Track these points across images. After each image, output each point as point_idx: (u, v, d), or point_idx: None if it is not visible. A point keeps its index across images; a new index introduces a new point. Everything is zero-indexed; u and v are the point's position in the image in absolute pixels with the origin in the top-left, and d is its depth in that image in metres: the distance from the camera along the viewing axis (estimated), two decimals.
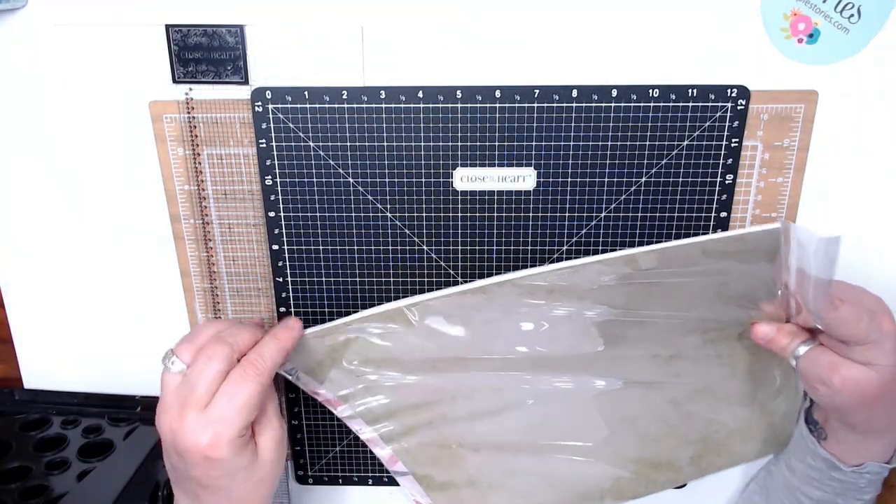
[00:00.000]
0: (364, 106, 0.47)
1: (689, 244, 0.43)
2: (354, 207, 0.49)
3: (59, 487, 0.48)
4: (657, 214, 0.49)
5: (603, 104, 0.46)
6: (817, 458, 0.46)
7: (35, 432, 0.53)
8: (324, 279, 0.52)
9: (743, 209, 0.49)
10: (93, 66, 0.47)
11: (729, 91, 0.46)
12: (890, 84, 0.46)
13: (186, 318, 0.54)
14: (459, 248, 0.50)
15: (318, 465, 0.58)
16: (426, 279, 0.51)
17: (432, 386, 0.49)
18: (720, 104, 0.46)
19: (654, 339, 0.48)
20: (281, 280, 0.52)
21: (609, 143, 0.47)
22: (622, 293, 0.45)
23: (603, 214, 0.49)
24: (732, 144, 0.47)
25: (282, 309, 0.53)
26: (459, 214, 0.49)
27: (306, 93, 0.47)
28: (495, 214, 0.49)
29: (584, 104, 0.46)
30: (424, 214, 0.50)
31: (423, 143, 0.48)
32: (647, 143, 0.47)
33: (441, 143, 0.48)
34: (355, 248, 0.51)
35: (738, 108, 0.46)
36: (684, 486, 0.55)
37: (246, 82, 0.46)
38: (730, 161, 0.47)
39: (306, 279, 0.52)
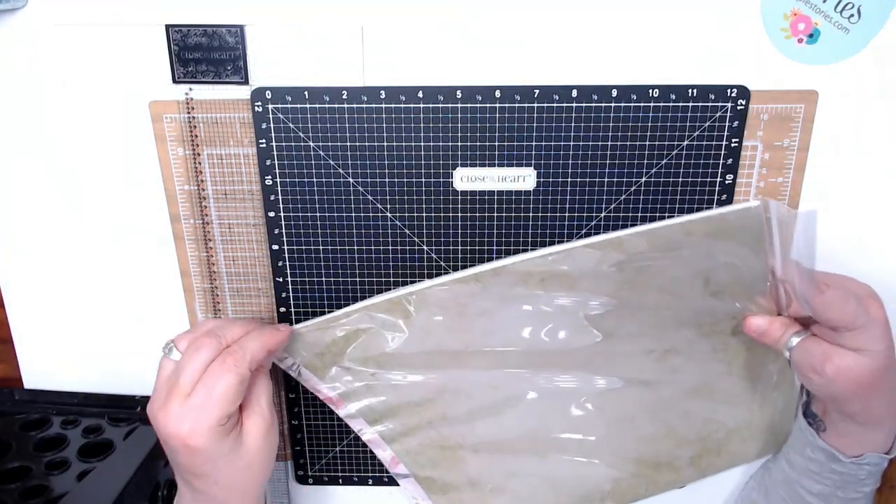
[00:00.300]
0: (364, 106, 0.47)
1: (672, 224, 0.43)
2: (354, 207, 0.49)
3: (59, 487, 0.48)
4: (657, 214, 0.49)
5: (603, 104, 0.46)
6: (817, 450, 0.46)
7: (35, 432, 0.53)
8: (324, 279, 0.52)
9: None
10: (93, 66, 0.47)
11: (729, 91, 0.46)
12: (890, 84, 0.46)
13: (186, 318, 0.54)
14: (459, 248, 0.50)
15: (318, 465, 0.58)
16: (426, 279, 0.51)
17: (432, 384, 0.49)
18: (720, 104, 0.46)
19: (648, 333, 0.48)
20: (281, 280, 0.52)
21: (609, 143, 0.47)
22: (613, 282, 0.45)
23: (603, 214, 0.49)
24: (732, 144, 0.47)
25: (282, 309, 0.53)
26: (459, 214, 0.49)
27: (306, 93, 0.47)
28: (495, 214, 0.49)
29: (584, 104, 0.46)
30: (424, 214, 0.50)
31: (423, 143, 0.48)
32: (647, 143, 0.47)
33: (441, 143, 0.48)
34: (355, 248, 0.51)
35: (738, 108, 0.46)
36: (683, 486, 0.55)
37: (246, 82, 0.46)
38: (730, 161, 0.47)
39: (306, 279, 0.52)
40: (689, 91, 0.46)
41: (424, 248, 0.51)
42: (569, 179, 0.48)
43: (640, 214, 0.49)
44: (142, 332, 0.55)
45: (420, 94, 0.46)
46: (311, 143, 0.48)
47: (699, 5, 0.44)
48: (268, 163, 0.48)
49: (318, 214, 0.50)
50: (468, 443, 0.51)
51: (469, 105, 0.47)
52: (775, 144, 0.48)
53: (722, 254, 0.44)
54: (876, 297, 0.42)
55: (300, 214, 0.50)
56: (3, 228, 0.52)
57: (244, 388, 0.40)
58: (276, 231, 0.50)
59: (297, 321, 0.53)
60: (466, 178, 0.49)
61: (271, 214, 0.50)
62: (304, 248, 0.51)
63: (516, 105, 0.47)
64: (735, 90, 0.46)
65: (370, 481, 0.58)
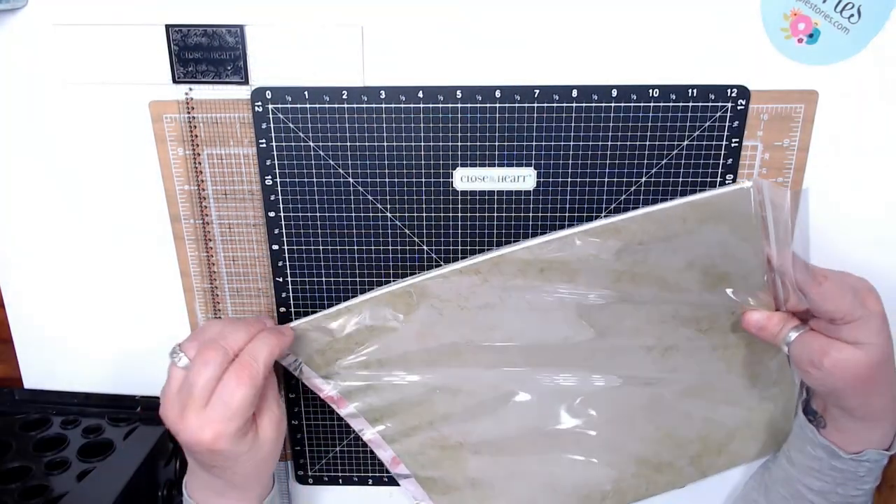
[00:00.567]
0: (364, 106, 0.47)
1: (668, 207, 0.43)
2: (354, 207, 0.49)
3: (59, 487, 0.48)
4: None
5: (603, 104, 0.46)
6: (817, 447, 0.46)
7: (35, 432, 0.54)
8: (324, 279, 0.52)
9: None
10: (93, 66, 0.47)
11: (729, 91, 0.46)
12: (890, 84, 0.46)
13: (186, 318, 0.54)
14: (459, 248, 0.50)
15: (318, 465, 0.58)
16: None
17: (433, 382, 0.49)
18: (720, 104, 0.46)
19: (648, 330, 0.48)
20: (281, 280, 0.52)
21: (609, 143, 0.47)
22: (612, 272, 0.45)
23: (603, 214, 0.49)
24: (732, 144, 0.47)
25: (282, 309, 0.53)
26: (459, 214, 0.50)
27: (306, 93, 0.47)
28: (495, 214, 0.49)
29: (584, 104, 0.46)
30: (424, 214, 0.50)
31: (423, 143, 0.48)
32: (647, 143, 0.47)
33: (441, 143, 0.48)
34: (355, 248, 0.51)
35: (738, 108, 0.46)
36: (683, 486, 0.55)
37: (246, 82, 0.46)
38: (730, 161, 0.47)
39: (306, 279, 0.52)
40: (689, 91, 0.46)
41: (424, 248, 0.51)
42: (569, 179, 0.48)
43: None
44: (142, 332, 0.55)
45: (420, 94, 0.46)
46: (311, 143, 0.48)
47: (699, 5, 0.44)
48: (268, 163, 0.48)
49: (318, 214, 0.50)
50: (469, 442, 0.51)
51: (469, 105, 0.47)
52: (775, 144, 0.48)
53: (717, 242, 0.44)
54: (873, 290, 0.42)
55: (300, 214, 0.50)
56: (3, 228, 0.52)
57: (258, 394, 0.42)
58: (276, 231, 0.50)
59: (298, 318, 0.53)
60: (466, 178, 0.49)
61: (271, 214, 0.50)
62: (304, 248, 0.51)
63: (516, 105, 0.47)
64: (735, 90, 0.46)
65: (370, 481, 0.58)
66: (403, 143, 0.48)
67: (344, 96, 0.47)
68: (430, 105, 0.47)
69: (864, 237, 0.50)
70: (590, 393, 0.50)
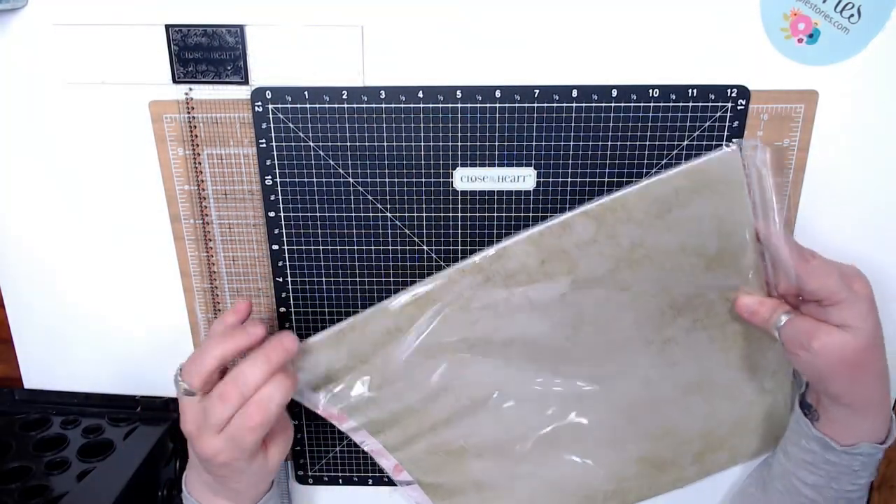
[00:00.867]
0: (364, 106, 0.47)
1: (661, 179, 0.43)
2: (354, 207, 0.49)
3: (59, 487, 0.48)
4: None
5: (603, 104, 0.46)
6: (811, 439, 0.46)
7: (35, 432, 0.53)
8: (324, 279, 0.52)
9: None
10: (93, 66, 0.47)
11: (729, 91, 0.46)
12: (890, 84, 0.46)
13: (186, 318, 0.54)
14: (459, 248, 0.50)
15: (318, 465, 0.58)
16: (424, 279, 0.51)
17: (435, 388, 0.49)
18: (720, 104, 0.46)
19: (646, 322, 0.47)
20: (281, 280, 0.52)
21: (609, 143, 0.47)
22: (610, 259, 0.45)
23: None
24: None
25: (282, 309, 0.53)
26: (459, 214, 0.50)
27: (306, 93, 0.47)
28: (495, 214, 0.49)
29: (584, 104, 0.46)
30: (424, 214, 0.50)
31: (423, 143, 0.48)
32: (647, 143, 0.47)
33: (441, 143, 0.48)
34: (355, 248, 0.51)
35: (738, 108, 0.46)
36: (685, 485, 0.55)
37: (246, 82, 0.46)
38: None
39: (306, 279, 0.52)
40: (689, 91, 0.46)
41: (424, 248, 0.51)
42: (569, 179, 0.48)
43: None
44: (142, 332, 0.55)
45: (420, 94, 0.46)
46: (311, 143, 0.48)
47: (699, 5, 0.44)
48: (268, 163, 0.48)
49: (318, 214, 0.50)
50: (471, 445, 0.51)
51: (469, 105, 0.47)
52: (775, 144, 0.48)
53: (709, 215, 0.44)
54: (862, 275, 0.42)
55: (300, 214, 0.50)
56: (3, 228, 0.52)
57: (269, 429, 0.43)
58: (276, 231, 0.50)
59: (297, 320, 0.53)
60: (466, 178, 0.49)
61: (271, 214, 0.50)
62: (304, 248, 0.51)
63: (516, 105, 0.47)
64: (735, 90, 0.46)
65: (370, 481, 0.58)
66: (403, 143, 0.48)
67: (344, 96, 0.47)
68: (430, 105, 0.47)
69: (864, 237, 0.50)
70: (590, 391, 0.50)
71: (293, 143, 0.48)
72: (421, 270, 0.51)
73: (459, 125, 0.47)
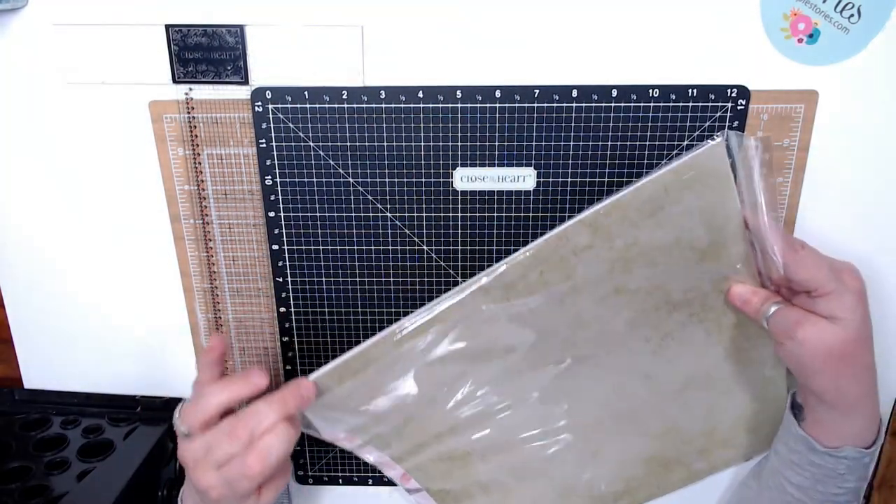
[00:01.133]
0: (364, 106, 0.47)
1: (652, 179, 0.43)
2: (354, 207, 0.49)
3: (59, 487, 0.48)
4: None
5: (603, 104, 0.46)
6: (797, 439, 0.46)
7: (35, 432, 0.53)
8: (324, 279, 0.52)
9: None
10: (93, 66, 0.47)
11: (729, 91, 0.46)
12: (890, 84, 0.46)
13: (186, 318, 0.54)
14: (459, 248, 0.50)
15: (318, 465, 0.58)
16: (426, 279, 0.51)
17: (438, 398, 0.48)
18: (720, 104, 0.46)
19: (643, 320, 0.47)
20: (281, 280, 0.52)
21: (609, 143, 0.47)
22: (606, 262, 0.45)
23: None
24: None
25: (282, 309, 0.53)
26: (459, 214, 0.50)
27: (306, 93, 0.47)
28: (495, 214, 0.49)
29: (584, 104, 0.46)
30: (424, 214, 0.50)
31: (423, 143, 0.48)
32: (647, 143, 0.47)
33: (441, 143, 0.48)
34: (355, 248, 0.51)
35: (738, 108, 0.46)
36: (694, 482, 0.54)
37: (246, 82, 0.46)
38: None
39: (306, 279, 0.52)
40: (689, 91, 0.46)
41: (424, 248, 0.51)
42: (569, 179, 0.48)
43: None
44: (142, 332, 0.55)
45: (420, 94, 0.46)
46: (311, 143, 0.48)
47: (699, 5, 0.44)
48: (268, 163, 0.48)
49: (318, 214, 0.50)
50: (476, 450, 0.51)
51: (469, 105, 0.47)
52: (775, 144, 0.48)
53: (699, 208, 0.43)
54: (854, 269, 0.42)
55: (300, 214, 0.50)
56: (3, 228, 0.52)
57: None
58: (276, 231, 0.50)
59: (297, 320, 0.53)
60: (466, 178, 0.49)
61: (271, 214, 0.50)
62: (304, 248, 0.51)
63: (516, 105, 0.47)
64: (735, 90, 0.46)
65: (370, 481, 0.58)
66: (403, 143, 0.48)
67: (344, 96, 0.47)
68: (430, 105, 0.47)
69: (863, 237, 0.50)
70: (593, 392, 0.50)
71: (293, 143, 0.48)
72: (421, 270, 0.51)
73: (459, 125, 0.47)
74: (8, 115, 0.49)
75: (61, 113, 0.48)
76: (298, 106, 0.47)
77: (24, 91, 0.48)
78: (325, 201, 0.49)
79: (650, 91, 0.46)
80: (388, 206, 0.49)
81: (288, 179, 0.49)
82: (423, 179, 0.49)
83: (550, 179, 0.48)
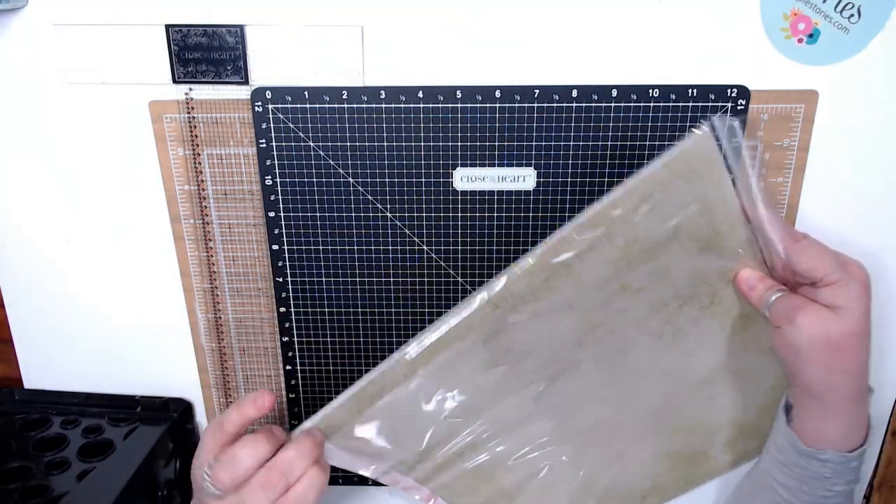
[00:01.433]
0: (364, 106, 0.47)
1: (646, 175, 0.43)
2: (354, 207, 0.49)
3: (59, 487, 0.48)
4: None
5: (603, 104, 0.46)
6: (784, 437, 0.45)
7: (35, 432, 0.53)
8: (324, 279, 0.52)
9: None
10: (93, 66, 0.47)
11: (729, 91, 0.46)
12: (890, 84, 0.46)
13: (186, 318, 0.54)
14: (459, 248, 0.50)
15: None
16: (426, 279, 0.51)
17: (454, 414, 0.48)
18: (720, 104, 0.46)
19: (653, 317, 0.47)
20: (281, 280, 0.52)
21: (609, 143, 0.47)
22: (609, 264, 0.44)
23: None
24: (733, 144, 0.47)
25: (282, 309, 0.53)
26: (459, 214, 0.50)
27: (306, 93, 0.47)
28: (495, 214, 0.49)
29: (584, 104, 0.46)
30: (424, 214, 0.50)
31: (423, 143, 0.48)
32: (647, 143, 0.47)
33: (441, 143, 0.48)
34: (355, 248, 0.51)
35: (738, 108, 0.46)
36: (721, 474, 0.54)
37: (246, 82, 0.46)
38: (730, 161, 0.47)
39: (306, 279, 0.52)
40: (689, 91, 0.46)
41: (424, 248, 0.51)
42: (569, 179, 0.48)
43: None
44: (142, 332, 0.55)
45: (420, 94, 0.46)
46: (311, 143, 0.48)
47: (699, 5, 0.44)
48: (268, 163, 0.48)
49: (318, 214, 0.50)
50: (500, 461, 0.51)
51: (469, 105, 0.47)
52: (775, 144, 0.48)
53: (695, 197, 0.43)
54: (859, 262, 0.42)
55: (300, 214, 0.50)
56: (3, 228, 0.52)
57: None
58: (276, 231, 0.50)
59: (297, 320, 0.53)
60: (466, 178, 0.49)
61: (271, 214, 0.50)
62: (304, 248, 0.51)
63: (516, 105, 0.47)
64: (735, 90, 0.46)
65: (370, 481, 0.58)
66: (403, 143, 0.48)
67: (344, 96, 0.47)
68: (430, 105, 0.47)
69: (864, 237, 0.50)
70: (612, 393, 0.50)
71: (293, 143, 0.48)
72: (421, 270, 0.51)
73: (459, 125, 0.47)
74: (8, 115, 0.49)
75: (61, 113, 0.48)
76: (298, 106, 0.47)
77: (24, 91, 0.48)
78: (325, 201, 0.49)
79: (650, 91, 0.46)
80: (388, 206, 0.49)
81: (288, 179, 0.49)
82: (423, 179, 0.49)
83: (550, 179, 0.48)
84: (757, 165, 0.43)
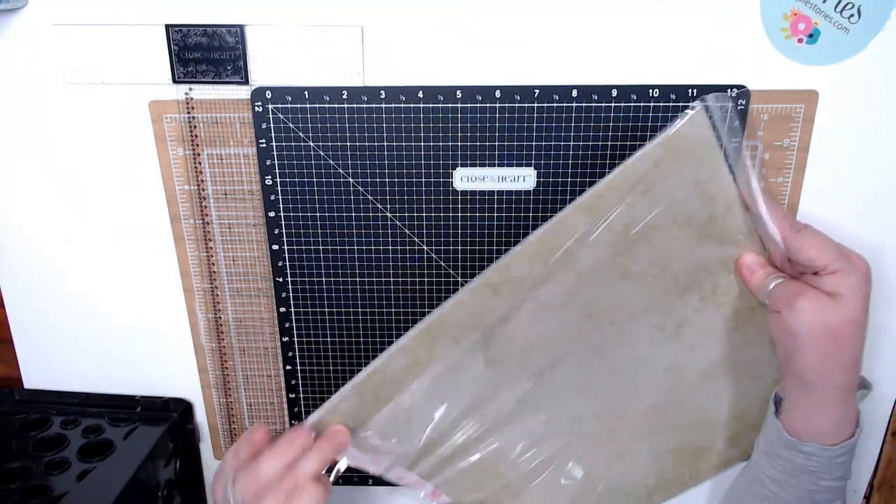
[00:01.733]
0: (364, 106, 0.47)
1: (639, 156, 0.43)
2: (354, 207, 0.49)
3: (59, 487, 0.48)
4: None
5: (603, 104, 0.46)
6: (771, 428, 0.45)
7: (35, 432, 0.53)
8: (324, 279, 0.52)
9: None
10: (93, 66, 0.47)
11: (729, 91, 0.46)
12: (890, 84, 0.46)
13: (186, 318, 0.54)
14: (459, 248, 0.50)
15: None
16: (426, 279, 0.51)
17: (458, 409, 0.48)
18: (720, 104, 0.46)
19: (654, 305, 0.47)
20: (281, 280, 0.52)
21: (609, 143, 0.47)
22: (609, 247, 0.44)
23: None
24: (732, 144, 0.47)
25: (282, 309, 0.53)
26: (459, 214, 0.50)
27: (306, 93, 0.47)
28: (495, 214, 0.49)
29: (584, 104, 0.46)
30: (424, 214, 0.50)
31: (423, 143, 0.48)
32: (648, 143, 0.47)
33: (441, 143, 0.48)
34: (355, 248, 0.51)
35: (738, 108, 0.46)
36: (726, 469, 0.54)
37: (246, 82, 0.46)
38: (730, 161, 0.47)
39: (306, 279, 0.52)
40: (689, 91, 0.46)
41: (424, 248, 0.51)
42: (569, 179, 0.48)
43: None
44: (142, 332, 0.55)
45: (420, 94, 0.46)
46: (311, 143, 0.48)
47: (699, 5, 0.44)
48: (268, 163, 0.48)
49: (318, 214, 0.50)
50: (504, 457, 0.51)
51: (469, 105, 0.47)
52: (775, 144, 0.48)
53: (691, 181, 0.43)
54: (861, 255, 0.42)
55: (300, 214, 0.50)
56: (3, 228, 0.52)
57: None
58: (276, 231, 0.50)
59: (297, 320, 0.53)
60: (466, 178, 0.49)
61: (271, 214, 0.50)
62: (304, 248, 0.51)
63: (516, 105, 0.47)
64: (735, 90, 0.46)
65: (370, 481, 0.58)
66: (403, 143, 0.48)
67: (344, 96, 0.47)
68: (430, 105, 0.47)
69: (864, 237, 0.50)
70: (614, 386, 0.50)
71: (293, 143, 0.48)
72: (421, 270, 0.51)
73: (459, 125, 0.47)
74: (8, 115, 0.49)
75: (61, 113, 0.48)
76: (298, 106, 0.47)
77: (24, 91, 0.48)
78: (325, 201, 0.49)
79: (650, 91, 0.46)
80: (388, 206, 0.49)
81: (288, 179, 0.49)
82: (423, 179, 0.49)
83: (550, 179, 0.48)
84: (758, 159, 0.43)
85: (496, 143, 0.48)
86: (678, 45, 0.45)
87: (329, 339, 0.54)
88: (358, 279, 0.52)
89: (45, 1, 0.45)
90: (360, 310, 0.53)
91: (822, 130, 0.47)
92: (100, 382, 0.57)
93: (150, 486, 0.51)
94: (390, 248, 0.51)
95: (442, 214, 0.50)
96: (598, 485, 0.52)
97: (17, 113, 0.48)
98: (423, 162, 0.48)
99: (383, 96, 0.46)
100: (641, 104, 0.46)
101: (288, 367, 0.55)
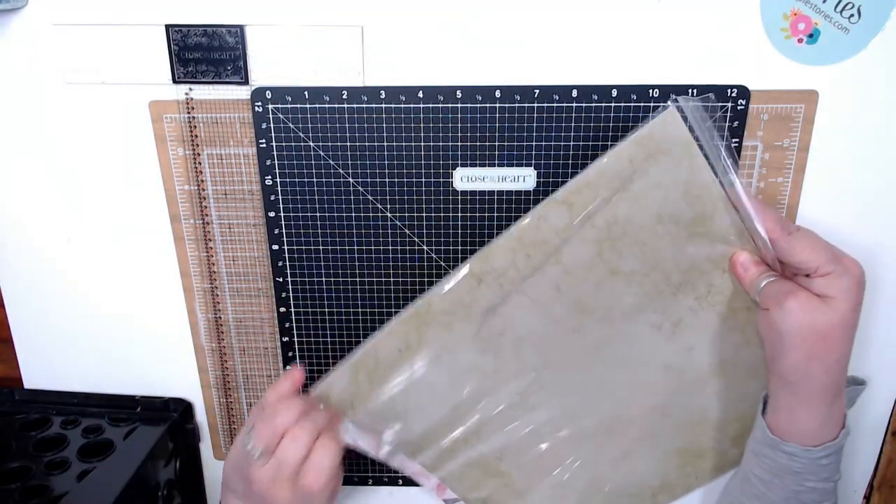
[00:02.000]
0: (364, 106, 0.47)
1: (612, 152, 0.43)
2: (354, 207, 0.49)
3: (59, 487, 0.48)
4: None
5: (603, 104, 0.46)
6: (758, 426, 0.45)
7: (35, 432, 0.54)
8: (324, 279, 0.52)
9: None
10: (93, 66, 0.47)
11: (729, 91, 0.46)
12: (890, 84, 0.46)
13: (186, 318, 0.54)
14: (459, 248, 0.50)
15: None
16: (426, 279, 0.51)
17: (457, 399, 0.48)
18: (720, 104, 0.46)
19: (648, 304, 0.47)
20: (281, 280, 0.52)
21: (609, 143, 0.47)
22: (592, 244, 0.45)
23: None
24: (732, 144, 0.47)
25: (282, 309, 0.53)
26: (459, 214, 0.50)
27: (306, 93, 0.47)
28: (495, 214, 0.49)
29: (584, 104, 0.46)
30: (424, 214, 0.50)
31: (423, 143, 0.48)
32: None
33: (441, 143, 0.48)
34: (355, 248, 0.51)
35: (738, 108, 0.46)
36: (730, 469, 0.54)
37: (246, 82, 0.46)
38: (730, 161, 0.47)
39: (306, 279, 0.52)
40: (690, 91, 0.46)
41: (424, 248, 0.51)
42: (568, 179, 0.48)
43: None
44: (142, 332, 0.55)
45: (420, 94, 0.46)
46: (311, 143, 0.48)
47: (699, 5, 0.44)
48: (268, 163, 0.48)
49: (318, 214, 0.50)
50: (508, 456, 0.51)
51: (469, 105, 0.47)
52: (775, 144, 0.48)
53: (672, 181, 0.43)
54: (856, 259, 0.42)
55: (300, 214, 0.50)
56: (2, 228, 0.52)
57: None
58: (276, 231, 0.50)
59: (297, 320, 0.53)
60: (466, 178, 0.49)
61: (271, 214, 0.50)
62: (304, 248, 0.51)
63: (516, 105, 0.47)
64: (735, 90, 0.46)
65: (370, 481, 0.58)
66: (403, 143, 0.48)
67: (344, 96, 0.47)
68: (430, 105, 0.47)
69: (863, 238, 0.50)
70: (614, 384, 0.50)
71: (293, 143, 0.48)
72: (421, 270, 0.51)
73: (459, 125, 0.47)
74: (8, 115, 0.49)
75: (61, 113, 0.48)
76: (298, 106, 0.47)
77: (24, 91, 0.48)
78: (325, 201, 0.49)
79: (650, 91, 0.46)
80: (388, 206, 0.49)
81: (288, 179, 0.49)
82: (423, 179, 0.49)
83: (550, 179, 0.48)
84: (758, 159, 0.43)
85: (496, 143, 0.48)
86: (678, 45, 0.45)
87: (329, 339, 0.54)
88: (358, 279, 0.52)
89: (45, 1, 0.45)
90: (360, 310, 0.53)
91: (822, 130, 0.47)
92: (100, 382, 0.57)
93: (150, 486, 0.51)
94: (390, 248, 0.51)
95: (442, 214, 0.50)
96: (604, 485, 0.53)
97: (17, 113, 0.48)
98: (423, 162, 0.48)
99: (383, 96, 0.46)
100: (641, 104, 0.46)
101: (288, 368, 0.55)
